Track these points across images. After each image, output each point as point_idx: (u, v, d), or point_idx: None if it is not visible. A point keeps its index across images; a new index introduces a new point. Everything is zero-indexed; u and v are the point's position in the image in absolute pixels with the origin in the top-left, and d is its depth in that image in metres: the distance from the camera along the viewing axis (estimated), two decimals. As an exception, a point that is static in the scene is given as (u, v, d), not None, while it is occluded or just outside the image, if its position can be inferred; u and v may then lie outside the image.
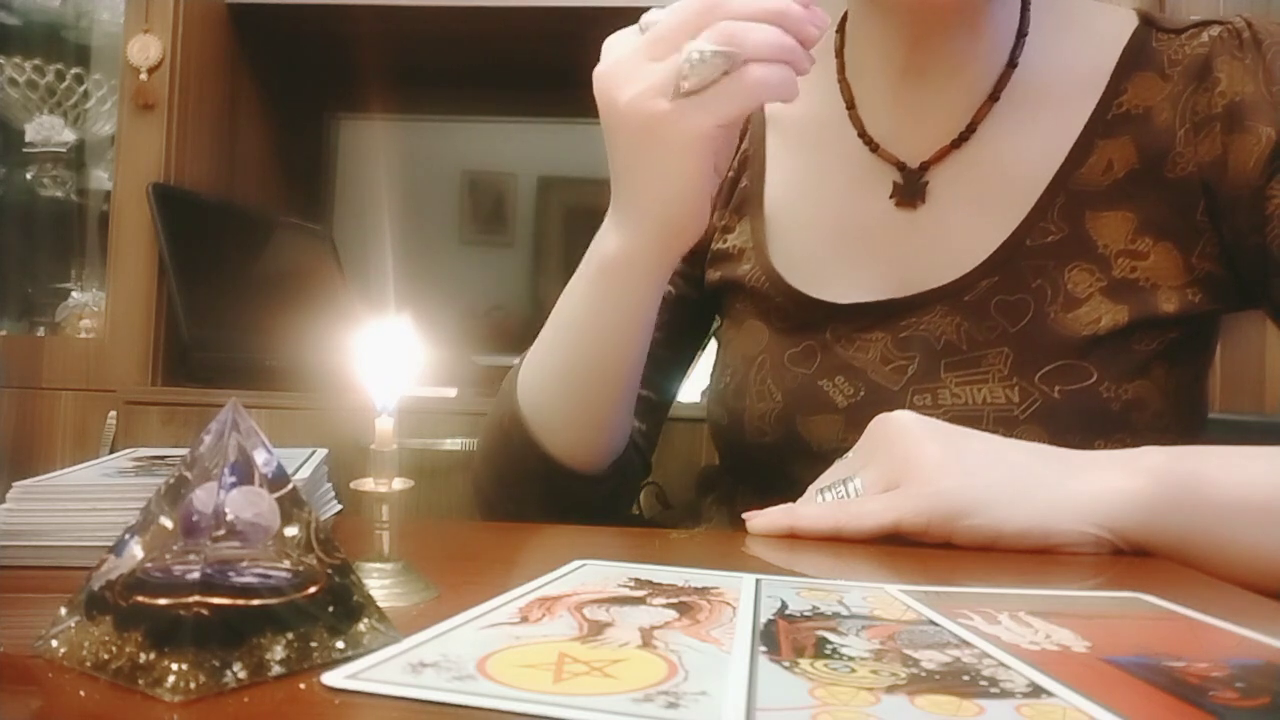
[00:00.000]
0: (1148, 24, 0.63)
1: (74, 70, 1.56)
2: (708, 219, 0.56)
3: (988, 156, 0.63)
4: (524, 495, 0.65)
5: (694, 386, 1.40)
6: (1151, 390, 0.59)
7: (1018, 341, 0.60)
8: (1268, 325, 0.70)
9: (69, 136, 1.55)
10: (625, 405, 0.64)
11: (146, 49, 1.43)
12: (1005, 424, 0.59)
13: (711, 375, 0.75)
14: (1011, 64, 0.63)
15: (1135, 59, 0.62)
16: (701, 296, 0.75)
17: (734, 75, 0.48)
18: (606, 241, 0.58)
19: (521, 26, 1.58)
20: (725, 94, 0.49)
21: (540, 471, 0.63)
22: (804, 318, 0.67)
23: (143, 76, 1.43)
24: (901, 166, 0.65)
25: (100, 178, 1.57)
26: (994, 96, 0.63)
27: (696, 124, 0.50)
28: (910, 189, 0.65)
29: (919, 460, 0.49)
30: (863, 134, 0.66)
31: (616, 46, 0.53)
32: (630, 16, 0.54)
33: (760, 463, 0.68)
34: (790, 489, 0.57)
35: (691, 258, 0.74)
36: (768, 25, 0.48)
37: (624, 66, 0.52)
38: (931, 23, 0.62)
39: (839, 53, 0.69)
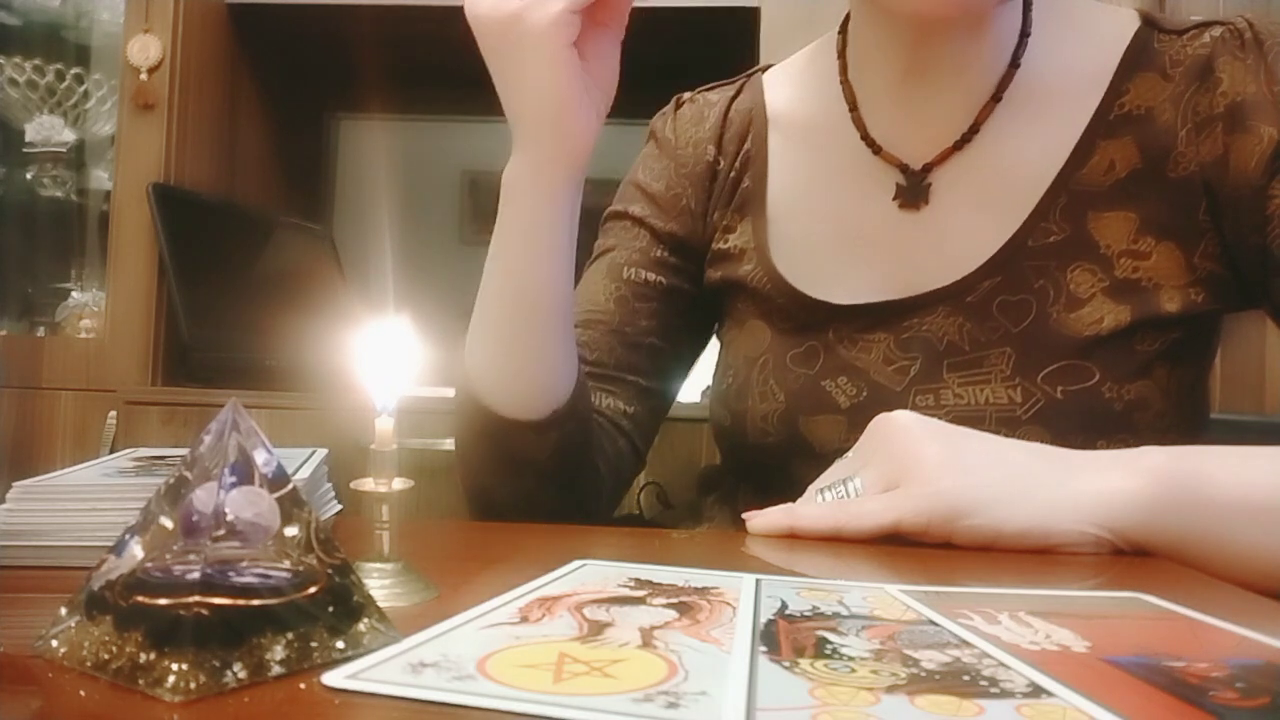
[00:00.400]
0: (1149, 25, 0.63)
1: (74, 70, 1.56)
2: (591, 126, 0.56)
3: (990, 157, 0.63)
4: (480, 462, 0.64)
5: (694, 386, 1.41)
6: (1154, 390, 0.59)
7: (1020, 342, 0.60)
8: (1268, 325, 0.71)
9: (69, 136, 1.55)
10: (550, 341, 0.61)
11: (146, 49, 1.44)
12: (1007, 424, 0.59)
13: (713, 376, 0.75)
14: (1014, 65, 0.63)
15: (1137, 59, 0.62)
16: (699, 292, 0.75)
17: None
18: (507, 167, 0.58)
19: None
20: None
21: (486, 428, 0.62)
22: (806, 318, 0.67)
23: (143, 76, 1.43)
24: (904, 168, 0.65)
25: (100, 178, 1.57)
26: (996, 97, 0.63)
27: (547, 10, 0.51)
28: (913, 191, 0.65)
29: (919, 460, 0.49)
30: (865, 136, 0.66)
31: None
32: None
33: (763, 463, 0.68)
34: (793, 489, 0.57)
35: (687, 254, 0.74)
36: None
37: None
38: (934, 29, 0.62)
39: (841, 54, 0.69)
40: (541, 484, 0.62)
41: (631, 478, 0.74)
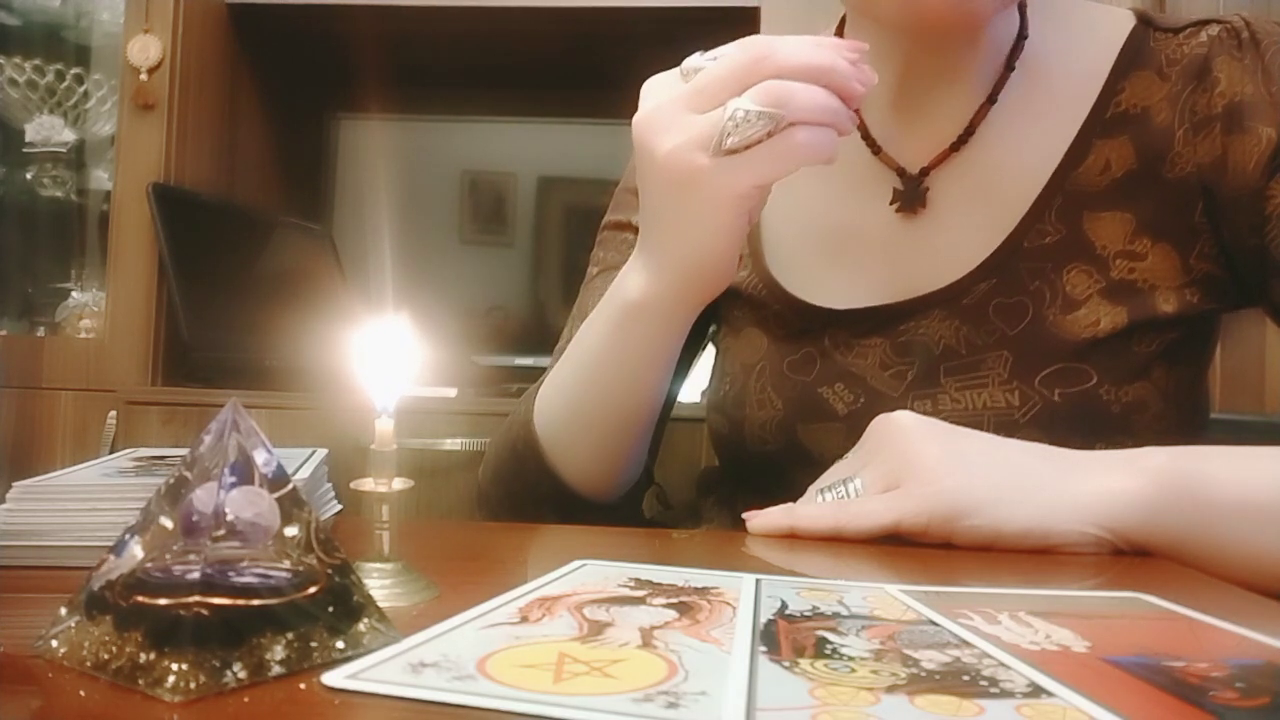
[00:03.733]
0: (1145, 23, 0.63)
1: (74, 70, 1.56)
2: (735, 270, 0.57)
3: (986, 159, 0.63)
4: (535, 517, 0.66)
5: (694, 387, 1.40)
6: (1152, 392, 0.59)
7: (1017, 345, 0.60)
8: (1268, 325, 0.71)
9: (69, 136, 1.55)
10: (642, 441, 0.65)
11: (146, 49, 1.43)
12: (1005, 428, 0.59)
13: (710, 382, 0.75)
14: (1009, 68, 0.63)
15: (1133, 58, 0.62)
16: None
17: (778, 137, 0.48)
18: (632, 283, 0.58)
19: (522, 26, 1.58)
20: (767, 155, 0.48)
21: (553, 497, 0.64)
22: (802, 324, 0.67)
23: (143, 76, 1.43)
24: (901, 172, 0.65)
25: (100, 178, 1.57)
26: (992, 99, 0.63)
27: (735, 183, 0.49)
28: (911, 195, 0.64)
29: (919, 460, 0.49)
30: (866, 136, 0.66)
31: (656, 90, 0.53)
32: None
33: (762, 471, 0.68)
34: (792, 495, 0.57)
35: None
36: (815, 87, 0.47)
37: (664, 115, 0.51)
38: (929, 38, 0.61)
39: None
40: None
41: (642, 494, 0.75)
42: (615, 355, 0.60)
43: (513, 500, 0.67)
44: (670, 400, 0.77)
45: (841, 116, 0.48)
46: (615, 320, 0.59)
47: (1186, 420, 0.61)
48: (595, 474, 0.64)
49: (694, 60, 0.51)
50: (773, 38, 0.50)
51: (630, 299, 0.58)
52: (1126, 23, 0.63)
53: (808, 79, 0.48)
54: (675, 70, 0.53)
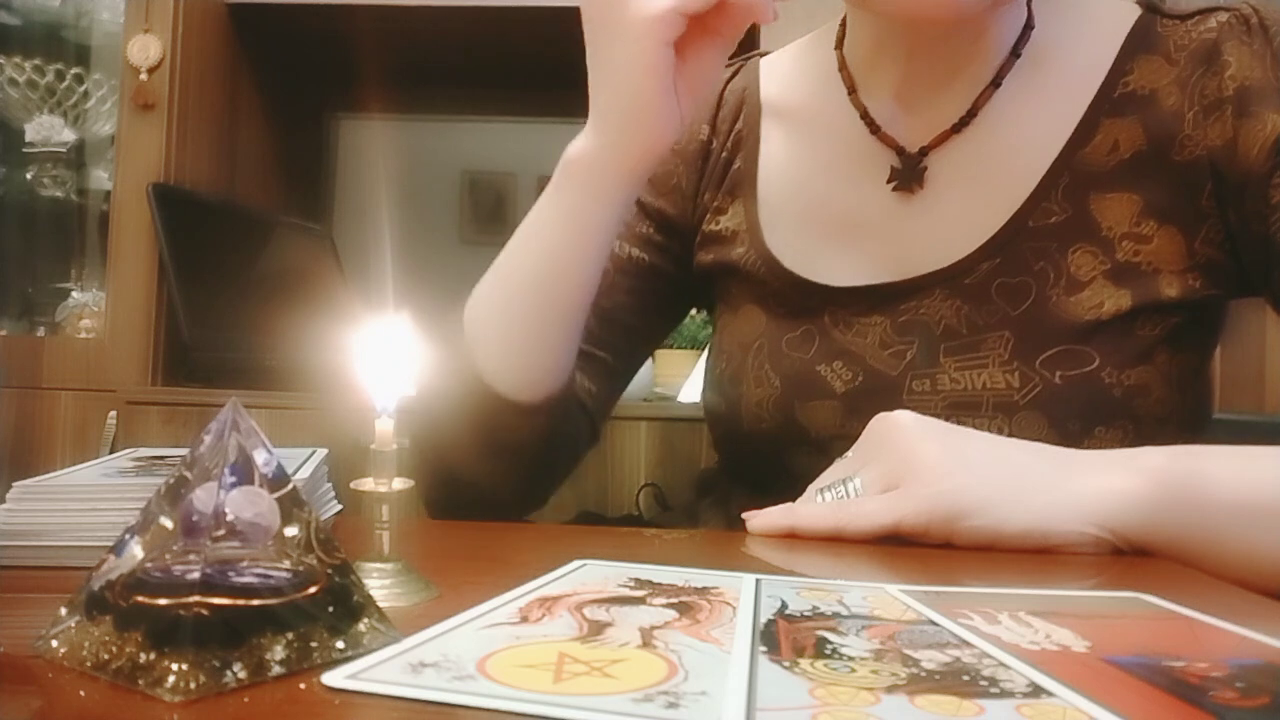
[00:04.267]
0: (1152, 10, 0.63)
1: (74, 70, 1.56)
2: (672, 128, 0.54)
3: (989, 140, 0.63)
4: (455, 433, 0.63)
5: (694, 387, 1.40)
6: (1154, 376, 0.59)
7: (1019, 325, 0.60)
8: (1268, 325, 0.70)
9: (69, 136, 1.55)
10: (568, 331, 0.61)
11: (146, 49, 1.43)
12: (1005, 410, 0.58)
13: (707, 361, 0.75)
14: (1014, 54, 0.63)
15: (1140, 42, 0.62)
16: (680, 273, 0.74)
17: None
18: (573, 145, 0.57)
19: (522, 27, 1.58)
20: None
21: (473, 398, 0.61)
22: (801, 301, 0.66)
23: (143, 76, 1.43)
24: (900, 151, 0.65)
25: (100, 178, 1.57)
26: (995, 83, 0.63)
27: (652, 5, 0.49)
28: (908, 174, 0.64)
29: (919, 460, 0.49)
30: (865, 116, 0.66)
31: None
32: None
33: (757, 451, 0.68)
34: (787, 482, 0.56)
35: (673, 234, 0.73)
36: None
37: None
38: (930, 34, 0.62)
39: (839, 45, 0.69)
40: (516, 466, 0.62)
41: (584, 455, 0.73)
42: (550, 222, 0.59)
43: (439, 426, 0.63)
44: (627, 368, 0.74)
45: None
46: (554, 186, 0.58)
47: (1189, 408, 0.61)
48: (516, 364, 0.60)
49: None
50: None
51: (570, 157, 0.57)
52: (1132, 10, 0.63)
53: None
54: None
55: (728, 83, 0.74)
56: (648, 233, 0.73)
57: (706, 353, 0.80)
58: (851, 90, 0.67)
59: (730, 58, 0.77)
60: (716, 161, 0.73)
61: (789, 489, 0.56)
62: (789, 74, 0.72)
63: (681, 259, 0.74)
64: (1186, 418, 0.61)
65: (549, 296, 0.59)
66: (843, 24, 0.70)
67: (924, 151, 0.64)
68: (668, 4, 0.49)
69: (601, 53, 0.53)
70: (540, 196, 0.59)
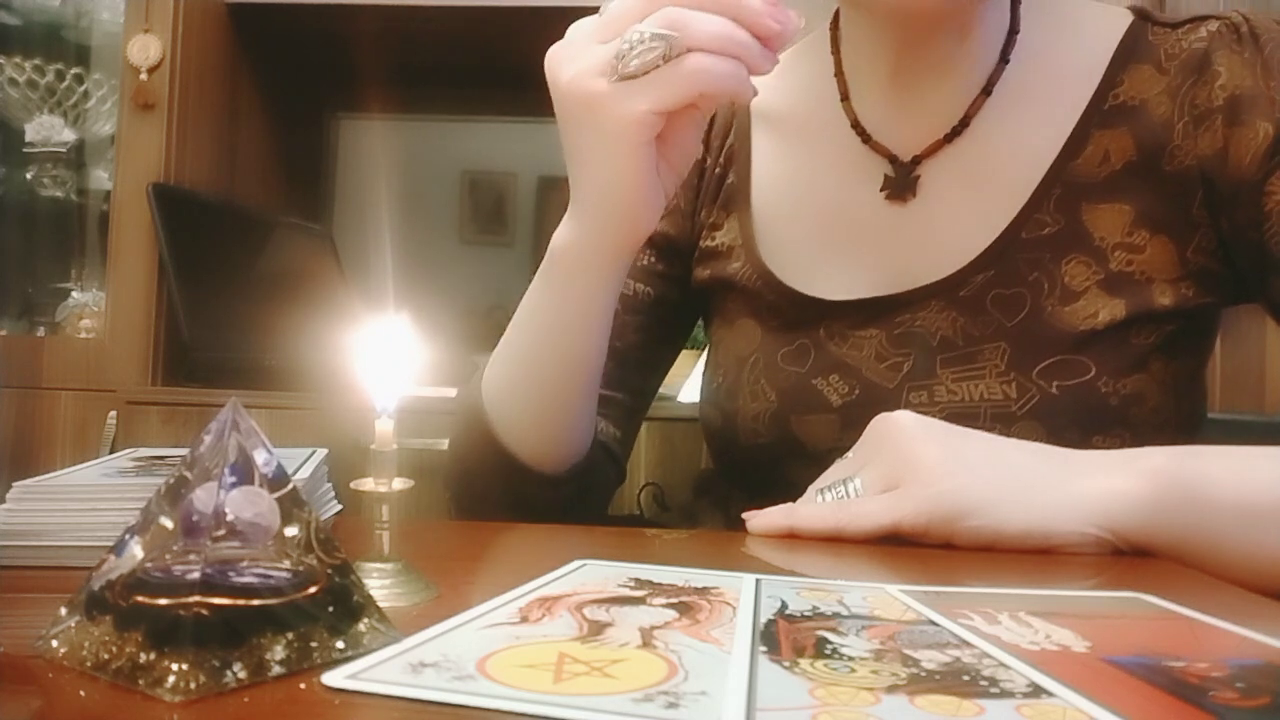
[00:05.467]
0: (1143, 18, 0.63)
1: (74, 70, 1.56)
2: (657, 213, 0.54)
3: (981, 150, 0.63)
4: (486, 493, 0.64)
5: (694, 388, 1.40)
6: (1150, 384, 0.59)
7: (1014, 336, 0.60)
8: (1267, 326, 0.71)
9: (69, 136, 1.55)
10: (584, 404, 0.63)
11: (146, 49, 1.43)
12: (1002, 420, 0.59)
13: (703, 375, 0.75)
14: (1003, 60, 0.63)
15: (1130, 52, 0.62)
16: (684, 298, 0.75)
17: (673, 62, 0.47)
18: (560, 233, 0.57)
19: (521, 27, 1.58)
20: (662, 80, 0.47)
21: (501, 469, 0.62)
22: (796, 315, 0.66)
23: (143, 76, 1.43)
24: (892, 159, 0.65)
25: (100, 178, 1.57)
26: (986, 91, 0.63)
27: (631, 107, 0.48)
28: (901, 182, 0.64)
29: (919, 461, 0.49)
30: (855, 124, 0.66)
31: (574, 28, 0.53)
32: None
33: (755, 464, 0.68)
34: (785, 491, 0.57)
35: (675, 257, 0.74)
36: (716, 16, 0.47)
37: (572, 46, 0.51)
38: (918, 28, 0.62)
39: (835, 50, 0.69)
40: (548, 520, 0.63)
41: (613, 492, 0.74)
42: (548, 309, 0.59)
43: (467, 476, 0.66)
44: (646, 401, 0.76)
45: (749, 50, 0.47)
46: (546, 273, 0.59)
47: (1185, 414, 0.61)
48: (538, 440, 0.62)
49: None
50: None
51: (558, 248, 0.57)
52: (1123, 18, 0.63)
53: (710, 9, 0.47)
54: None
55: None
56: (651, 264, 0.73)
57: (703, 363, 0.81)
58: (844, 96, 0.67)
59: None
60: (710, 178, 0.73)
61: (786, 499, 0.56)
62: (780, 82, 0.72)
63: (683, 280, 0.75)
64: (1182, 422, 0.61)
65: (564, 376, 0.60)
66: (835, 28, 0.70)
67: (916, 160, 0.64)
68: (645, 106, 0.48)
69: (581, 150, 0.53)
70: (536, 277, 0.60)
